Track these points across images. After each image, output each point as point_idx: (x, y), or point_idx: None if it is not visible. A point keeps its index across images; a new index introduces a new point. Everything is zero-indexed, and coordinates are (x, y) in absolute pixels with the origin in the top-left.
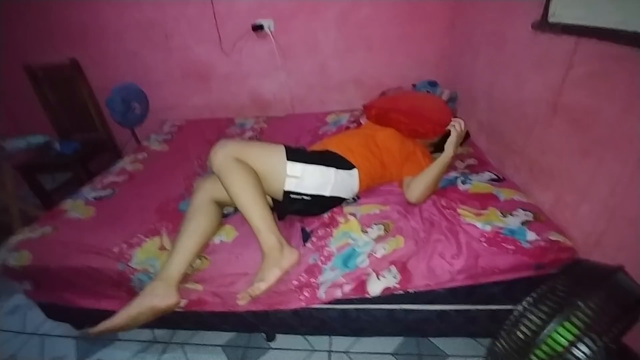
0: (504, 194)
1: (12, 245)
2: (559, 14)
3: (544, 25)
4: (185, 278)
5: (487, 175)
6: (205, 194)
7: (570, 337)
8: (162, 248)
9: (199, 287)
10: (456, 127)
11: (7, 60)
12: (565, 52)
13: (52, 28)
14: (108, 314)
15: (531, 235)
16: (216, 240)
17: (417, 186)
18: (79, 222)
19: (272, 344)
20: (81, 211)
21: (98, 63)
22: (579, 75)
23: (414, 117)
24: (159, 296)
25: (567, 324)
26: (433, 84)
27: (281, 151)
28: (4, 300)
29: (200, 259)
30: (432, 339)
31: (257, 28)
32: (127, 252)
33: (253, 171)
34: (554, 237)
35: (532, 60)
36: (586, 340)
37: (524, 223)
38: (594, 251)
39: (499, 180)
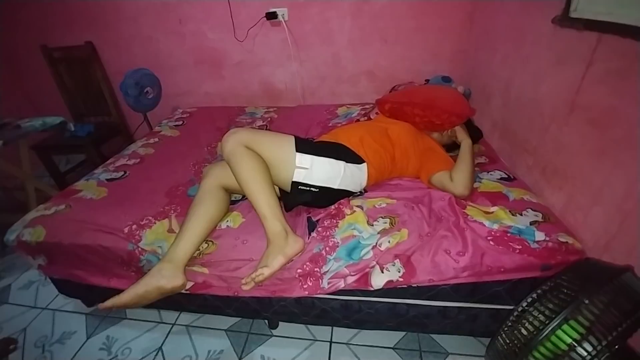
0: (514, 193)
1: (27, 221)
2: (581, 9)
3: (565, 20)
4: (191, 261)
5: (498, 174)
6: (214, 179)
7: (575, 335)
8: (171, 231)
9: (205, 270)
10: None
11: (25, 41)
12: (586, 49)
13: (70, 10)
14: (117, 292)
15: (540, 236)
16: (223, 225)
17: (463, 176)
18: (92, 202)
19: (275, 332)
20: (94, 191)
21: (113, 47)
22: (599, 73)
23: (429, 109)
24: (166, 277)
25: (572, 322)
26: (447, 80)
27: (291, 142)
28: (17, 275)
29: (207, 243)
30: (433, 336)
31: (271, 16)
32: (137, 232)
33: (262, 159)
34: (563, 238)
35: (552, 56)
36: (591, 339)
37: (532, 223)
38: (603, 255)
39: (509, 179)
